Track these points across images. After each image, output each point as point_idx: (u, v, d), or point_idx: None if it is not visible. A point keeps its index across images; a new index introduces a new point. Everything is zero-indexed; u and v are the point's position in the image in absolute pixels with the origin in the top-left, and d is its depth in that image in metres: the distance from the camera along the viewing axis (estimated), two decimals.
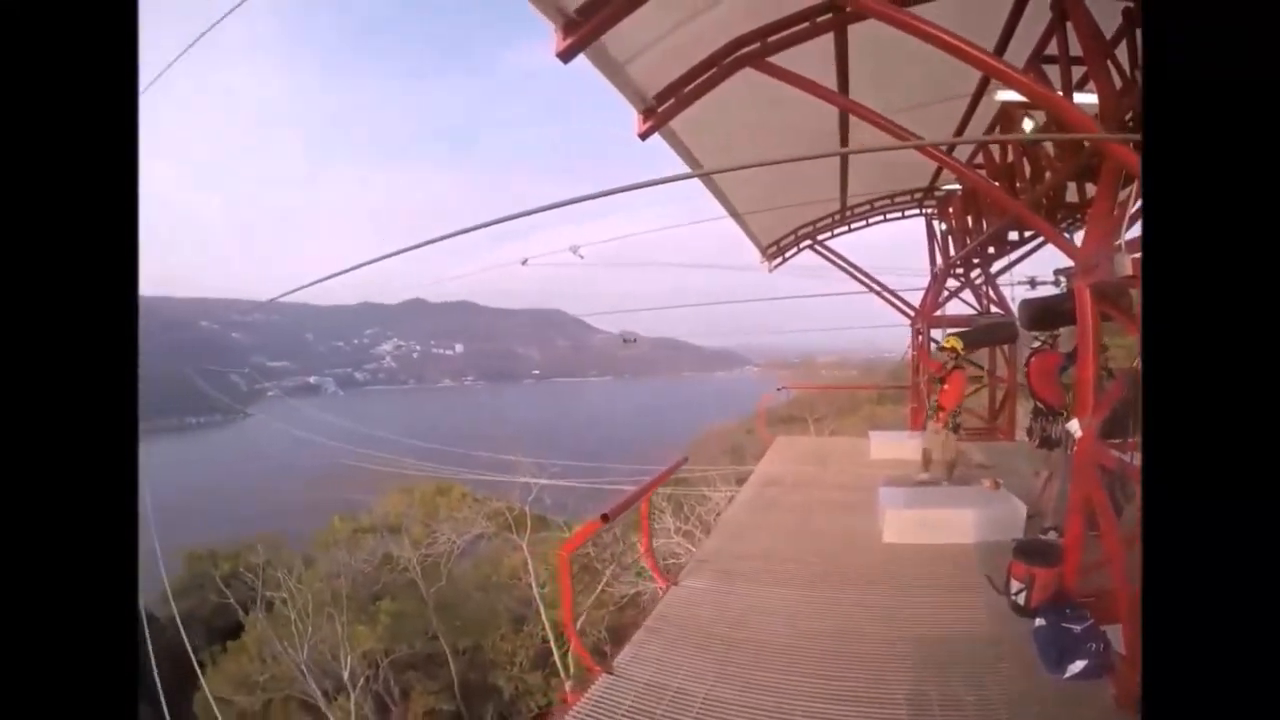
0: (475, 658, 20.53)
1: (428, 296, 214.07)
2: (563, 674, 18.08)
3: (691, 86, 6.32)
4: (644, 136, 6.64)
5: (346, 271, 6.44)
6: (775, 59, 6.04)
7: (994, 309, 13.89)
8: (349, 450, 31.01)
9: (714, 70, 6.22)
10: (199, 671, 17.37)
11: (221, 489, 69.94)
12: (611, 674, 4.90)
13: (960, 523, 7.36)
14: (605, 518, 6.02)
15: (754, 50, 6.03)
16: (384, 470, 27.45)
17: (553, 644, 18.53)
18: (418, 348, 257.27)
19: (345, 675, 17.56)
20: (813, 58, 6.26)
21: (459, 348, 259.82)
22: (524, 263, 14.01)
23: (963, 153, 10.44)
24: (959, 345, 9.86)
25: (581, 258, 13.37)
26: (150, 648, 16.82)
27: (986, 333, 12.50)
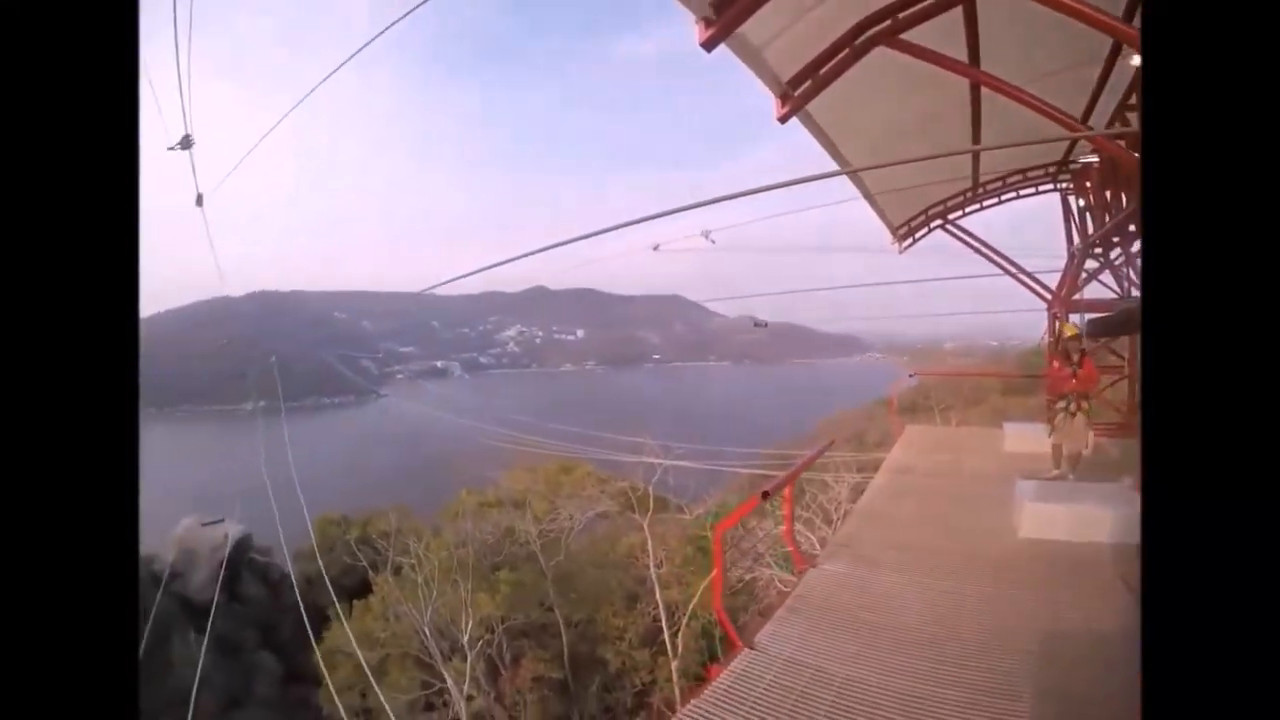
0: (586, 631, 21.03)
1: (549, 284, 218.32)
2: (670, 653, 18.35)
3: (826, 68, 6.29)
4: (783, 120, 6.66)
5: (504, 263, 6.87)
6: (906, 35, 5.94)
7: (1136, 292, 13.04)
8: (477, 428, 32.09)
9: (847, 51, 6.18)
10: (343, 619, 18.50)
11: (352, 462, 73.61)
12: (754, 649, 5.03)
13: (1100, 521, 7.13)
14: (765, 495, 6.15)
15: (885, 28, 5.96)
16: (509, 448, 28.37)
17: (663, 623, 18.72)
18: (540, 333, 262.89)
19: (465, 638, 18.31)
20: (942, 32, 6.12)
21: (580, 333, 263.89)
22: (655, 248, 14.07)
23: (1098, 120, 9.83)
24: (1072, 330, 9.58)
25: (713, 242, 13.30)
26: (300, 600, 18.18)
27: (1128, 319, 11.80)
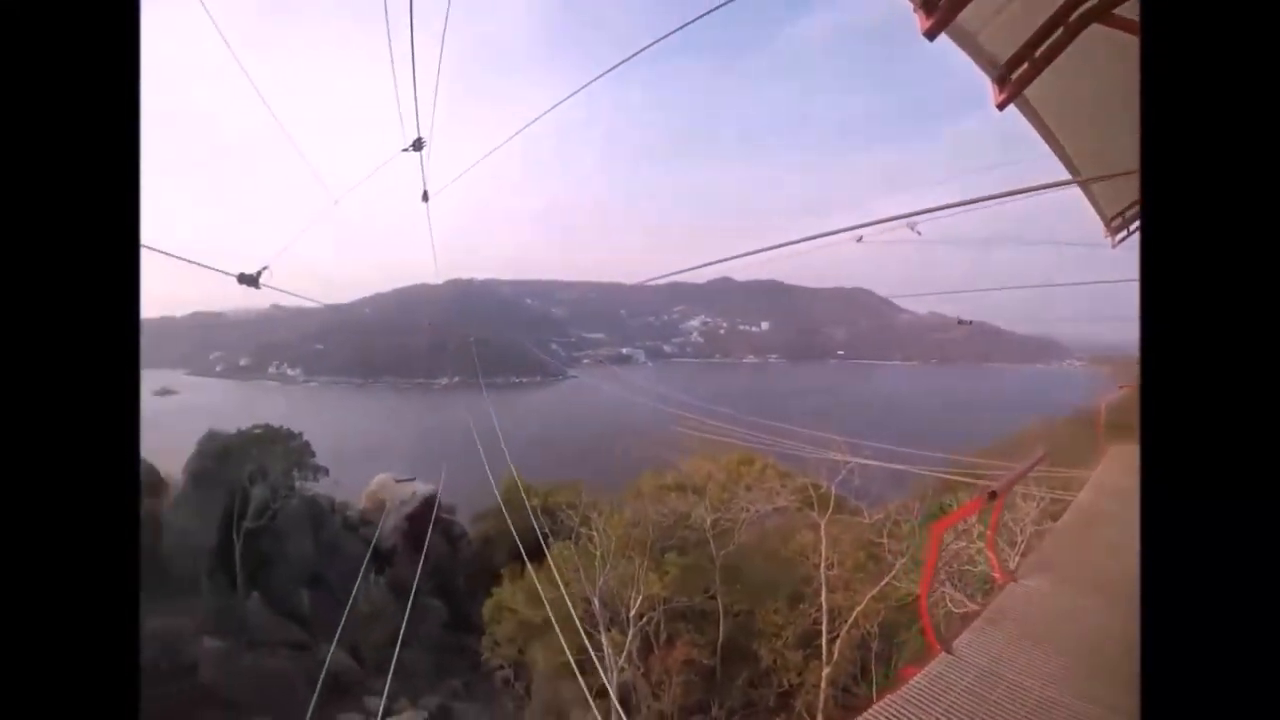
0: (745, 623, 20.96)
1: (734, 275, 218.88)
2: (823, 658, 17.85)
3: (1041, 49, 5.89)
4: (1001, 107, 6.33)
5: (735, 258, 7.00)
6: (1120, 10, 5.44)
7: None
8: (661, 410, 32.66)
9: (1061, 30, 5.75)
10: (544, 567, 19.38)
11: (538, 436, 76.94)
12: (951, 654, 5.04)
13: None
14: (993, 495, 6.04)
15: (1097, 4, 5.48)
16: (691, 434, 28.70)
17: (823, 626, 18.16)
18: (724, 325, 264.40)
19: (631, 612, 18.86)
20: None
21: (764, 325, 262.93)
22: (859, 239, 13.53)
23: None
24: None
25: (919, 234, 12.59)
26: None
27: None
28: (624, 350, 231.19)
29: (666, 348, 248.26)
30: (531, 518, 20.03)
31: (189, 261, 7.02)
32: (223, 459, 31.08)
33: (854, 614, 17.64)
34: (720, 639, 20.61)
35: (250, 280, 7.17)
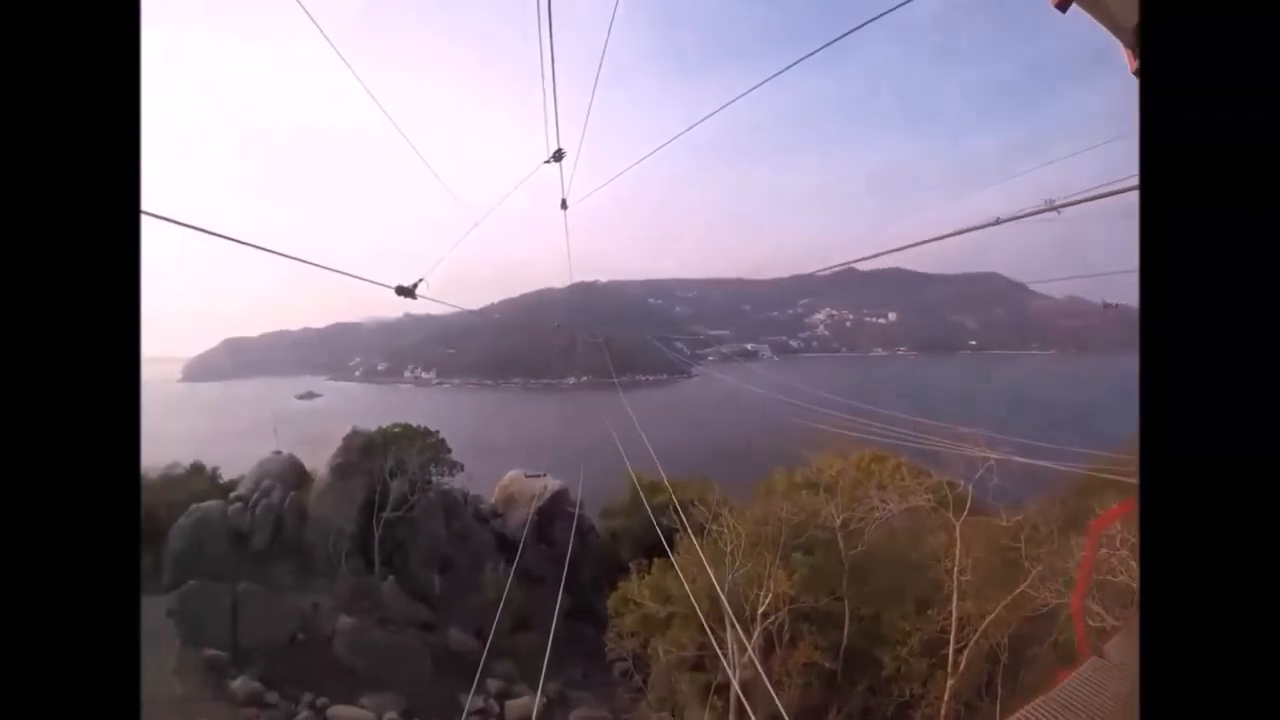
0: (870, 628, 20.42)
1: (858, 265, 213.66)
2: (949, 669, 17.12)
3: None
4: (1139, 74, 6.01)
5: (867, 258, 6.95)
6: None
7: None
8: (790, 404, 32.24)
9: None
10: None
11: (666, 434, 77.69)
12: (1102, 658, 5.01)
13: None
14: None
15: None
16: (822, 429, 28.12)
17: (951, 635, 17.33)
18: (850, 317, 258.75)
19: (760, 610, 18.68)
20: None
21: (891, 316, 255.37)
22: (997, 221, 13.10)
23: None
24: None
25: (1058, 213, 12.08)
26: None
27: None
28: (749, 346, 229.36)
29: (792, 342, 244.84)
30: (662, 514, 20.20)
31: (348, 275, 7.66)
32: (364, 454, 33.14)
33: (984, 623, 16.77)
34: (843, 642, 20.22)
35: (407, 292, 7.88)
